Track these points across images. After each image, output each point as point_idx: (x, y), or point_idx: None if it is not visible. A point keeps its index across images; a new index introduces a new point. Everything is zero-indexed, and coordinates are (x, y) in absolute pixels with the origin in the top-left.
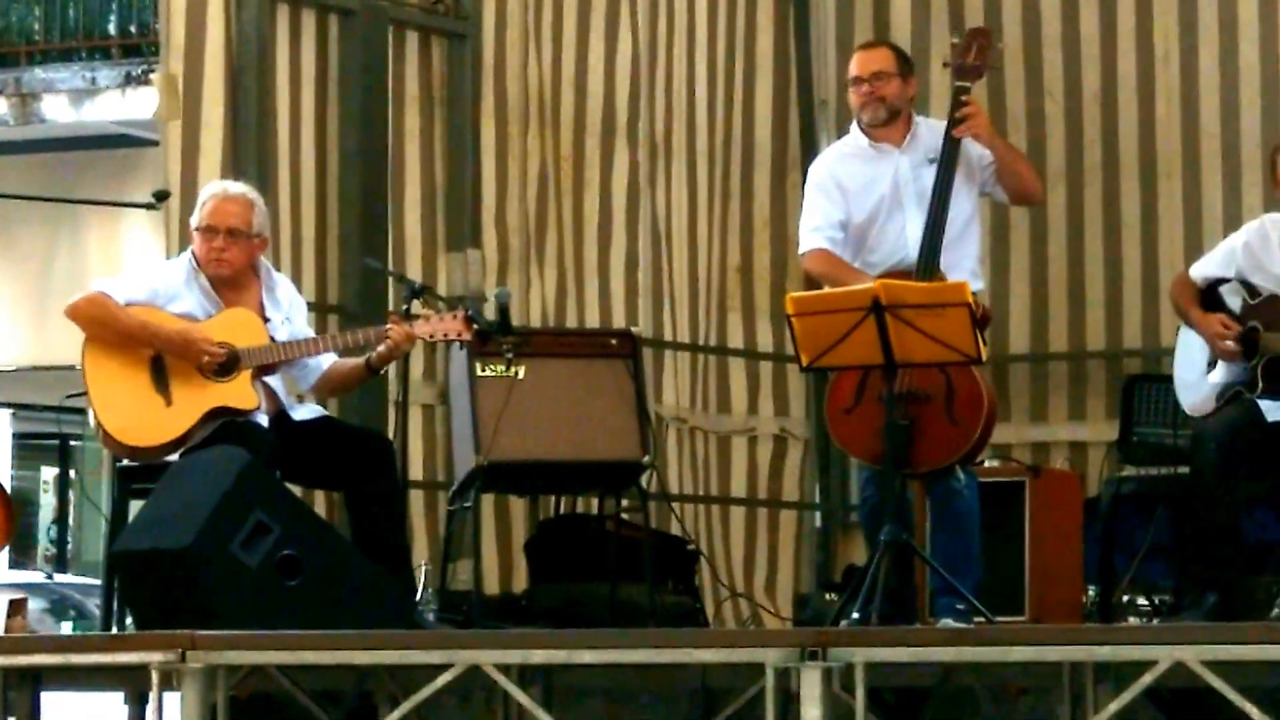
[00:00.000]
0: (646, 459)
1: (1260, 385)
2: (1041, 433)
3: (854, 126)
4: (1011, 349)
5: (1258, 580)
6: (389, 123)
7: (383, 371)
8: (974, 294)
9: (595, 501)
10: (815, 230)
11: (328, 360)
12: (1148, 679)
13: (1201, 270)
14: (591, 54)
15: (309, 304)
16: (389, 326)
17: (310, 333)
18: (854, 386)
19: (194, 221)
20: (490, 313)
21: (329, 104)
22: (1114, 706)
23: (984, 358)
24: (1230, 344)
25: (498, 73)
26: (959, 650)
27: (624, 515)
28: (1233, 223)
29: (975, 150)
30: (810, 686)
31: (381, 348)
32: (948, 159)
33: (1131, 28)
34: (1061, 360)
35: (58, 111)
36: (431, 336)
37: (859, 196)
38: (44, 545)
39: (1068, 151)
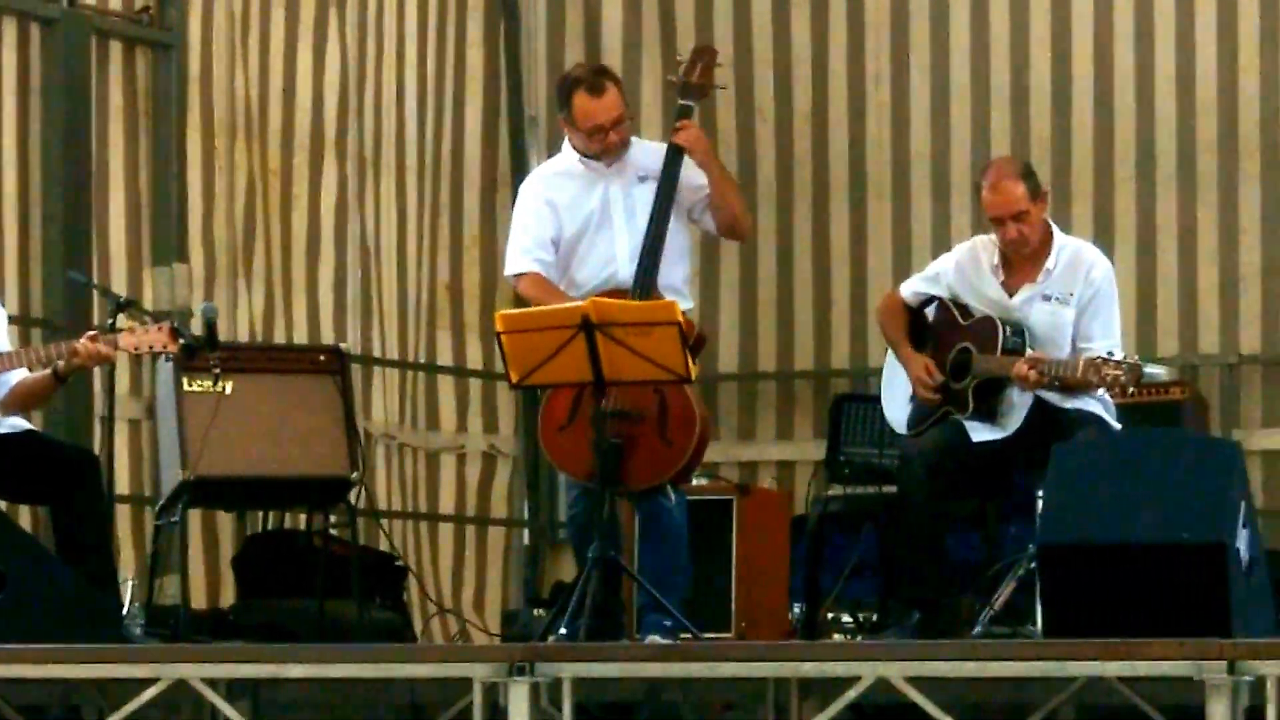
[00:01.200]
0: (355, 475)
1: (970, 406)
2: (750, 452)
3: (566, 144)
4: (720, 368)
5: (961, 599)
6: (93, 134)
7: (70, 379)
8: (684, 313)
9: (303, 517)
10: (524, 252)
11: (16, 375)
12: (851, 694)
13: (912, 287)
14: (300, 67)
15: (11, 317)
16: (77, 343)
17: (9, 346)
18: (569, 404)
19: None
20: (197, 328)
21: (31, 115)
22: None
23: (693, 377)
24: (931, 394)
25: (204, 84)
26: (665, 666)
27: (332, 531)
28: (941, 244)
29: (687, 175)
30: (518, 701)
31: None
32: (668, 176)
33: (843, 47)
34: (770, 380)
35: None
36: (136, 349)
37: (569, 213)
38: None
39: (778, 171)
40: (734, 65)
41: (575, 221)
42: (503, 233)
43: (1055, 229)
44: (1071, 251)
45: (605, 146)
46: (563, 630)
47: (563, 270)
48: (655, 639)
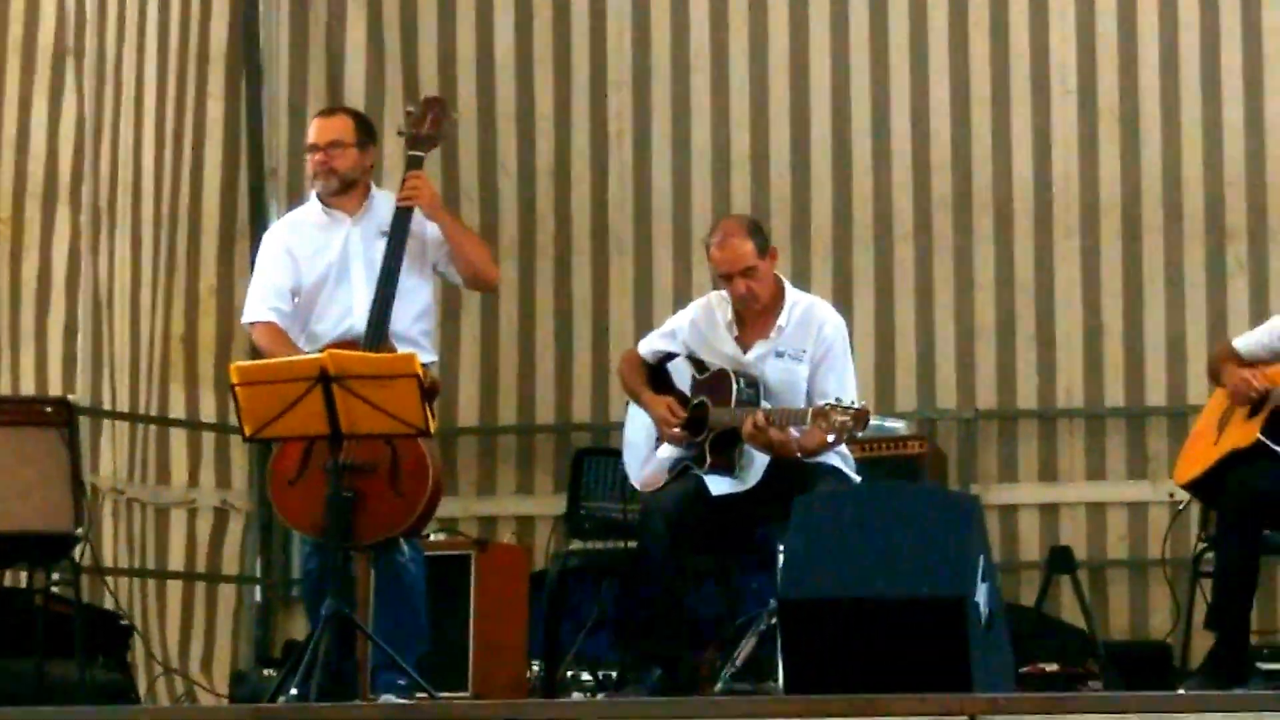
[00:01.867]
0: (79, 531)
1: (708, 460)
2: (490, 506)
3: (313, 194)
4: (460, 422)
5: (702, 655)
6: None
7: None
8: (424, 366)
9: (24, 575)
10: (261, 301)
11: None
12: None
13: (649, 346)
14: (35, 115)
15: None
16: None
17: None
18: (298, 458)
19: None
20: None
21: None
22: None
23: (432, 429)
24: (677, 430)
25: None
26: None
27: (54, 589)
28: (682, 300)
29: (431, 227)
30: None
31: None
32: (398, 230)
33: (585, 103)
34: (510, 433)
35: None
36: None
37: (308, 264)
38: None
39: (520, 225)
40: (477, 120)
41: (314, 272)
42: (240, 284)
43: (788, 286)
44: (803, 309)
45: (313, 166)
46: (294, 691)
47: (302, 323)
48: (390, 699)
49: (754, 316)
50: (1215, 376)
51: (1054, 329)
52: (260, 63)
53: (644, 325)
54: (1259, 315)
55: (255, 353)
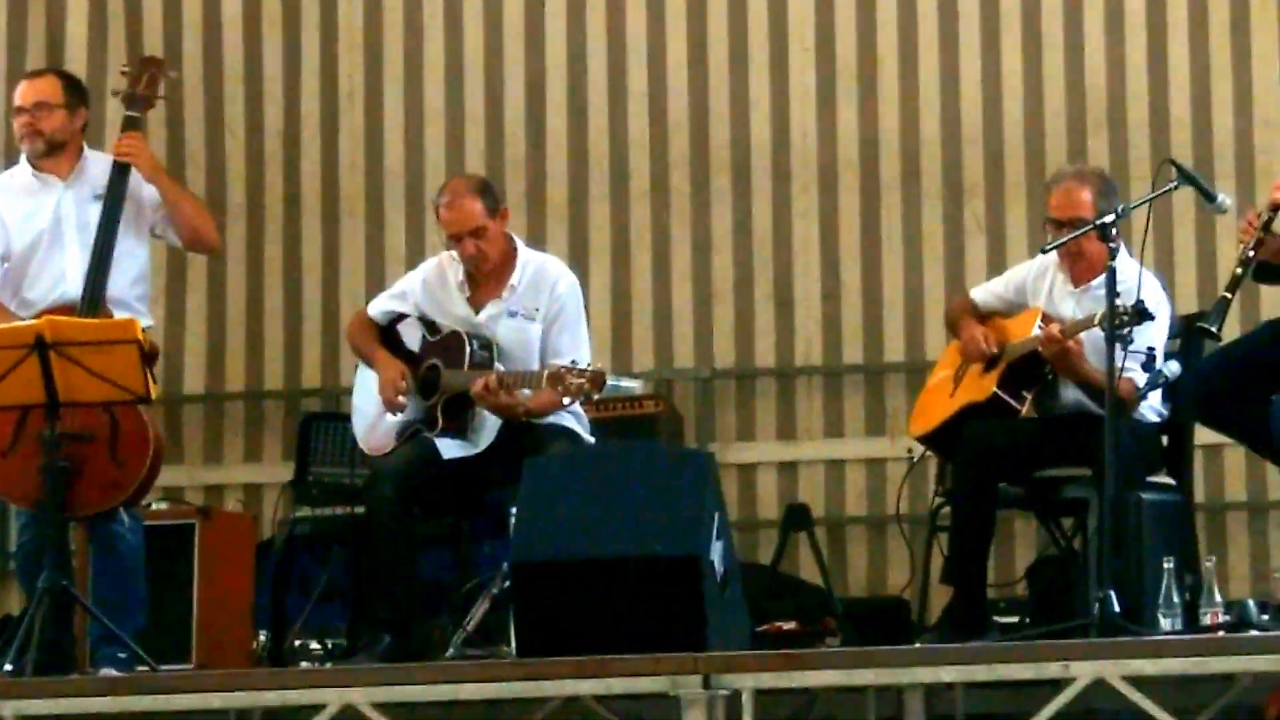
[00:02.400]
0: None
1: (440, 423)
2: (216, 474)
3: (22, 157)
4: (187, 389)
5: (434, 621)
6: None
7: None
8: (144, 330)
9: None
10: None
11: None
12: None
13: (380, 307)
14: None
15: None
16: None
17: None
18: (11, 427)
19: None
20: None
21: None
22: None
23: (153, 396)
24: (400, 399)
25: None
26: (116, 700)
27: None
28: (416, 261)
29: (147, 190)
30: None
31: None
32: (114, 192)
33: (316, 66)
34: (238, 400)
35: None
36: None
37: (19, 229)
38: None
39: (248, 188)
40: (204, 82)
41: (26, 237)
42: None
43: (520, 245)
44: (536, 268)
45: (19, 129)
46: (8, 666)
47: (14, 289)
48: (110, 672)
49: (486, 277)
50: (953, 328)
51: (792, 287)
52: None
53: (376, 289)
54: (996, 271)
55: None
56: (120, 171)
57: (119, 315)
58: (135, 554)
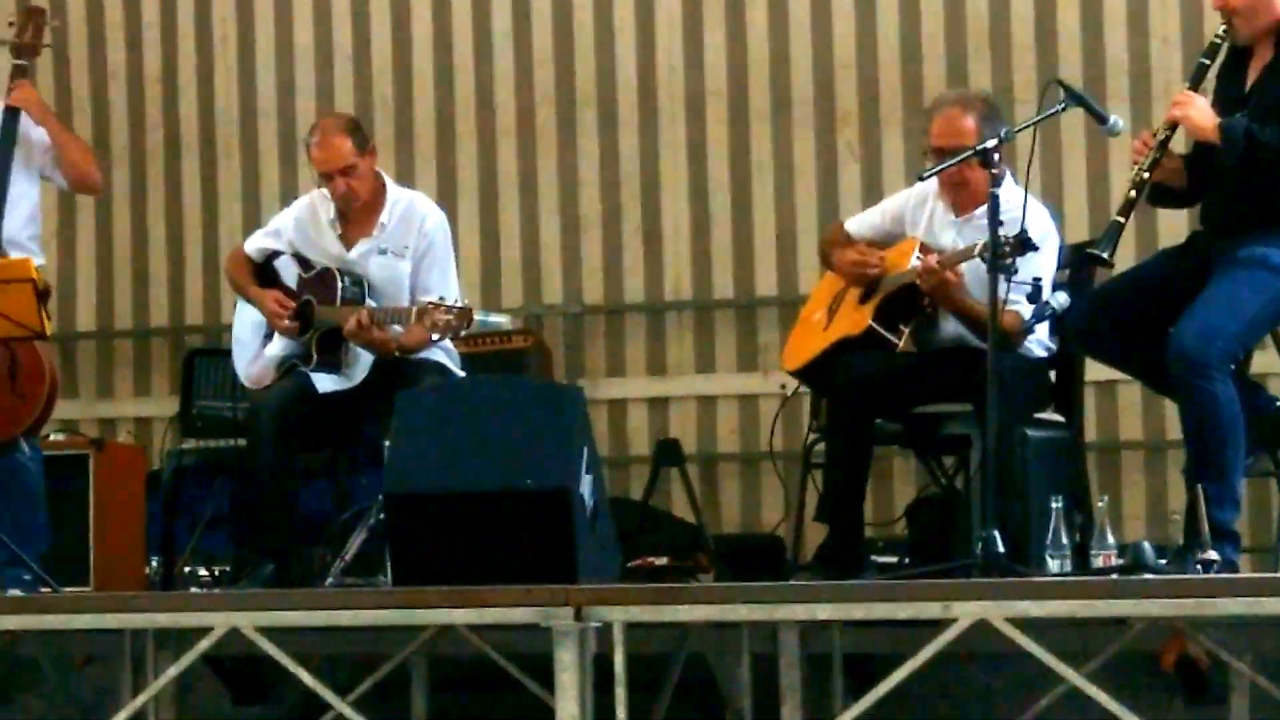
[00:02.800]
0: None
1: (315, 358)
2: (108, 409)
3: None
4: (78, 326)
5: (314, 550)
6: None
7: None
8: (37, 269)
9: None
10: None
11: None
12: (204, 645)
13: (255, 244)
14: None
15: None
16: None
17: None
18: None
19: None
20: None
21: None
22: (172, 671)
23: (48, 333)
24: (286, 321)
25: None
26: (20, 619)
27: None
28: (290, 199)
29: (36, 133)
30: None
31: None
32: (5, 135)
33: (191, 12)
34: (127, 337)
35: None
36: None
37: None
38: None
39: (130, 132)
40: (87, 28)
41: None
42: None
43: (389, 183)
44: (405, 205)
45: None
46: None
47: None
48: (15, 593)
49: (357, 214)
50: (826, 259)
51: (660, 221)
52: None
53: (252, 227)
54: (872, 202)
55: None
56: (11, 116)
57: (13, 255)
58: (37, 482)
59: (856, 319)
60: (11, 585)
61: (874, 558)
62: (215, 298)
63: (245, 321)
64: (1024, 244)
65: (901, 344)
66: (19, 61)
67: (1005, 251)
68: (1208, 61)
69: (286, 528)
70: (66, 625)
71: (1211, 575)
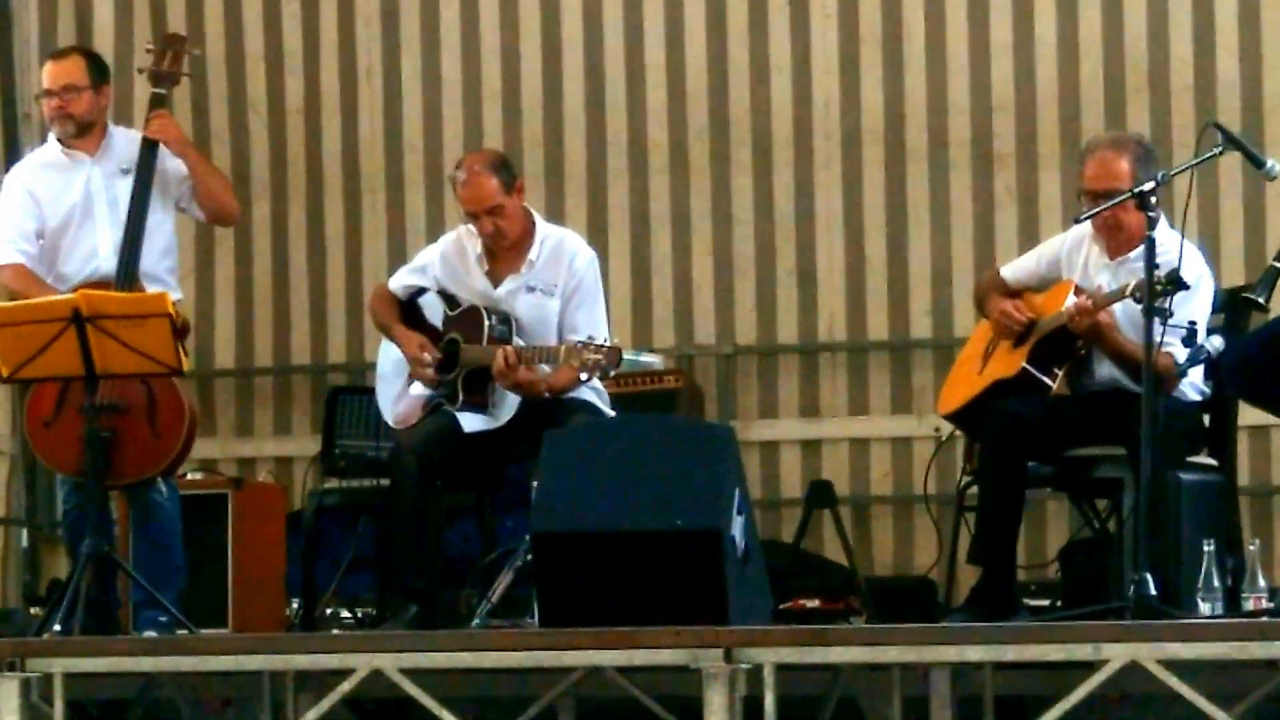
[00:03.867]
0: None
1: (461, 397)
2: (247, 447)
3: (50, 135)
4: (217, 364)
5: (459, 592)
6: None
7: None
8: (174, 304)
9: None
10: (8, 243)
11: None
12: (346, 687)
13: (400, 281)
14: None
15: None
16: None
17: None
18: (54, 398)
19: None
20: None
21: None
22: (312, 715)
23: (185, 369)
24: (429, 370)
25: None
26: (156, 660)
27: None
28: (435, 235)
29: (172, 164)
30: (8, 698)
31: None
32: (144, 167)
33: (334, 41)
34: (267, 375)
35: None
36: None
37: (51, 206)
38: None
39: (272, 166)
40: (226, 59)
41: (58, 214)
42: None
43: (538, 219)
44: (554, 242)
45: (49, 112)
46: (57, 626)
47: (49, 264)
48: (151, 634)
49: (505, 251)
50: (981, 306)
51: (815, 261)
52: (10, 9)
53: (397, 263)
54: (1028, 244)
55: (11, 294)
56: (150, 148)
57: (150, 289)
58: (173, 521)
59: (1010, 361)
60: (148, 626)
61: (1026, 600)
62: (359, 335)
63: (390, 359)
64: (1176, 282)
65: (1056, 387)
66: (157, 90)
67: (1158, 291)
68: None
69: (431, 569)
70: (203, 667)
71: None
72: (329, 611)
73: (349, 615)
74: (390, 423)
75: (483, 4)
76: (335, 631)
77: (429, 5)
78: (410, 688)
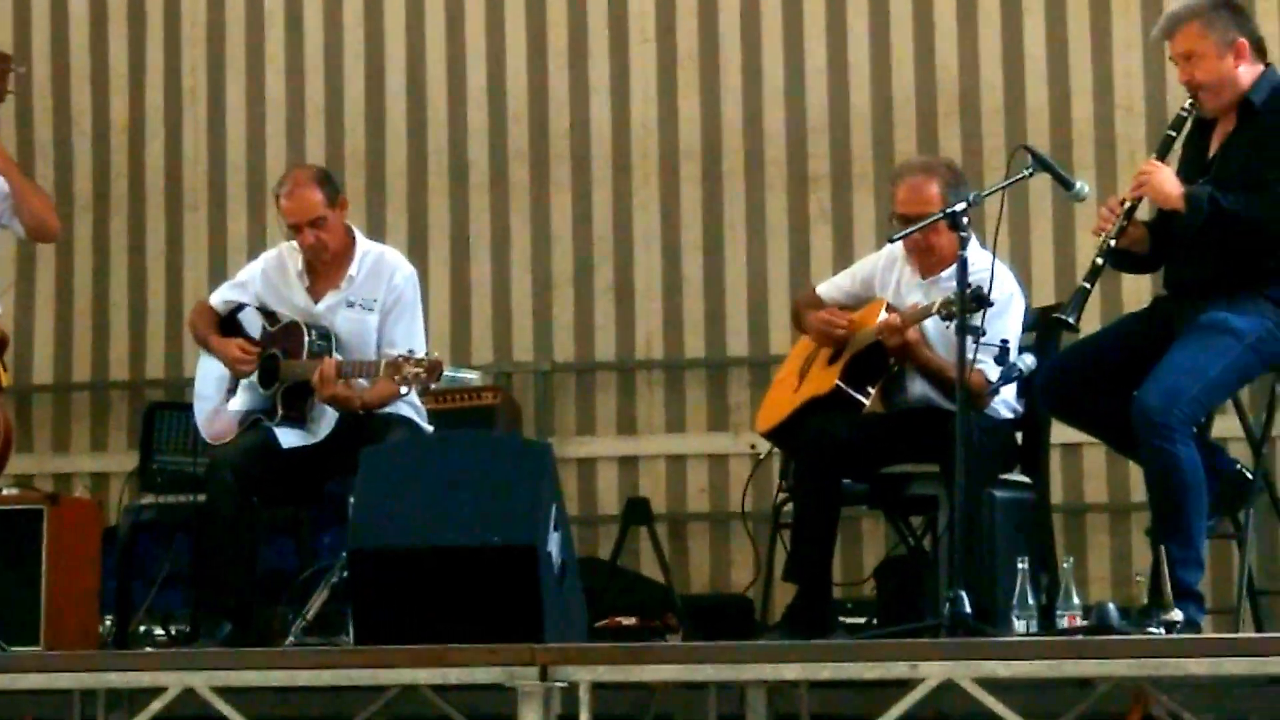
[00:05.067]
0: None
1: (280, 412)
2: (64, 463)
3: None
4: (35, 379)
5: (275, 609)
6: None
7: None
8: None
9: None
10: None
11: None
12: (157, 705)
13: (221, 296)
14: None
15: None
16: None
17: None
18: None
19: None
20: None
21: None
22: None
23: (3, 385)
24: (247, 366)
25: None
26: None
27: None
28: (257, 253)
29: None
30: None
31: None
32: None
33: (160, 62)
34: (84, 390)
35: None
36: None
37: None
38: None
39: (95, 183)
40: (51, 79)
41: None
42: None
43: (359, 235)
44: (374, 258)
45: None
46: None
47: None
48: None
49: (325, 267)
50: (798, 322)
51: (632, 279)
52: None
53: (218, 280)
54: (843, 263)
55: None
56: None
57: None
58: None
59: (825, 379)
60: None
61: (842, 618)
62: (178, 351)
63: (208, 376)
64: (979, 300)
65: (870, 404)
66: None
67: (965, 309)
68: (1174, 134)
69: (245, 585)
70: (12, 685)
71: (1175, 636)
72: (143, 629)
73: (163, 633)
74: (207, 438)
75: (307, 25)
76: (148, 649)
77: (254, 27)
78: (223, 706)
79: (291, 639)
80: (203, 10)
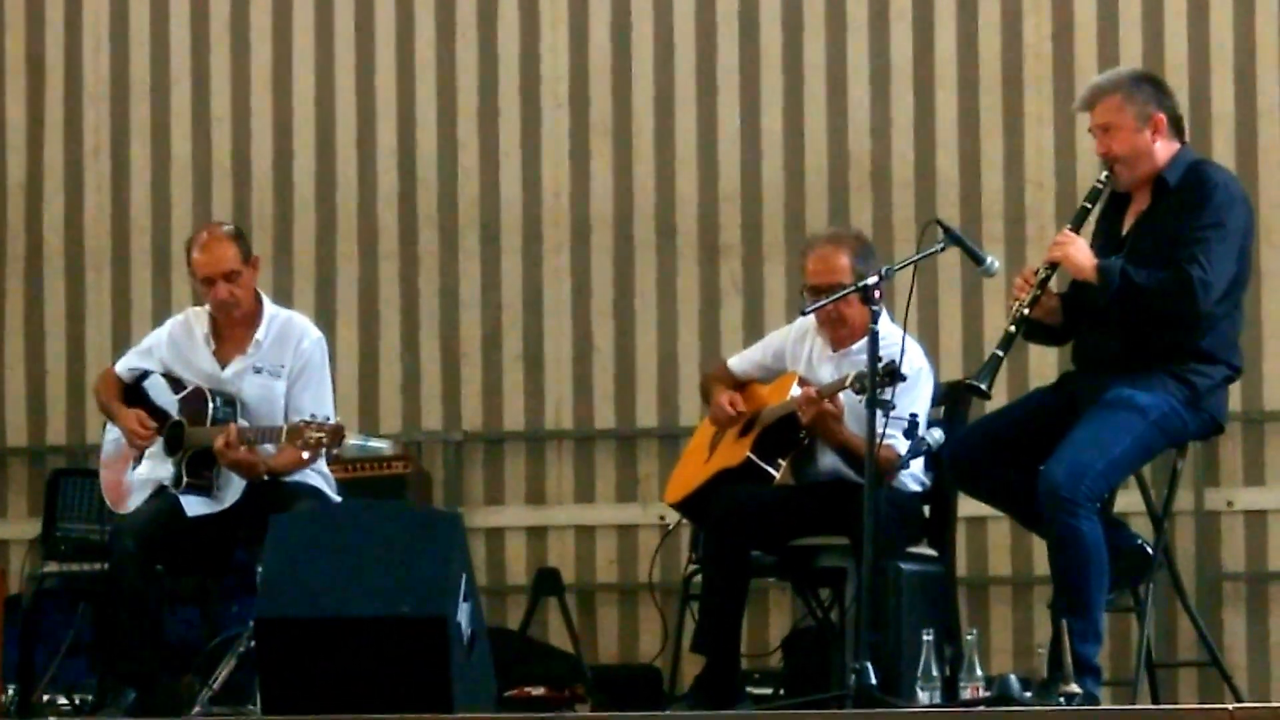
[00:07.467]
0: None
1: (185, 480)
2: None
3: None
4: None
5: (182, 679)
6: None
7: None
8: None
9: None
10: None
11: None
12: None
13: (126, 364)
14: None
15: None
16: None
17: None
18: None
19: None
20: None
21: None
22: None
23: None
24: (145, 439)
25: None
26: None
27: None
28: (162, 315)
29: None
30: None
31: None
32: None
33: (59, 119)
34: None
35: None
36: None
37: None
38: None
39: None
40: None
41: None
42: None
43: (266, 301)
44: (282, 323)
45: None
46: None
47: None
48: None
49: (232, 332)
50: (707, 397)
51: (542, 348)
52: None
53: (121, 344)
54: (754, 334)
55: None
56: None
57: None
58: None
59: (735, 451)
60: None
61: (749, 689)
62: (80, 417)
63: (114, 442)
64: (892, 375)
65: (779, 476)
66: None
67: (875, 382)
68: (1089, 205)
69: (151, 654)
70: None
71: (1073, 708)
72: (46, 699)
73: (66, 703)
74: (112, 507)
75: (214, 84)
76: (52, 719)
77: (159, 84)
78: None
79: (198, 708)
80: (105, 66)
